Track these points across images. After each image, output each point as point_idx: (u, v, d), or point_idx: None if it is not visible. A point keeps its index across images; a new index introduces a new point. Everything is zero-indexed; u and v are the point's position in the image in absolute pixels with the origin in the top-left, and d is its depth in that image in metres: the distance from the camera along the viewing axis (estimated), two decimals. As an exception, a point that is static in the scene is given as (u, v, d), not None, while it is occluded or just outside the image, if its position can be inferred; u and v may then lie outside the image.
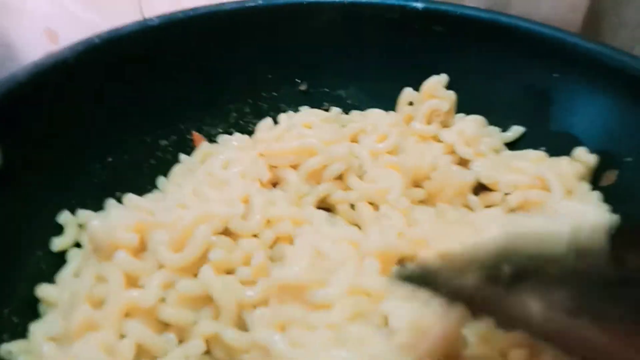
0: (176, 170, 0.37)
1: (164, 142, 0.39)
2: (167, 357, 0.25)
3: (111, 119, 0.36)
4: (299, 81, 0.45)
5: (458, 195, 0.34)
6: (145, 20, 0.38)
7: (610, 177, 0.34)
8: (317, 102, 0.44)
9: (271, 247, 0.30)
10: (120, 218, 0.27)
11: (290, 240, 0.30)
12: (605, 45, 0.35)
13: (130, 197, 0.32)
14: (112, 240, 0.26)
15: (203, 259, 0.27)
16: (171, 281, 0.26)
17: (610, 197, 0.34)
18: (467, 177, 0.34)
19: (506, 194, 0.34)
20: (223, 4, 0.41)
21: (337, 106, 0.44)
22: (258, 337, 0.25)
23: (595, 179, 0.35)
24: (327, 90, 0.45)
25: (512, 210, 0.33)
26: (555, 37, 0.37)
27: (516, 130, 0.39)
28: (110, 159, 0.36)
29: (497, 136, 0.39)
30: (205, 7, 0.40)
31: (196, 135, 0.40)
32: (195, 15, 0.40)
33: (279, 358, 0.23)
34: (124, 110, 0.37)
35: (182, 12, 0.39)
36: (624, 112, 0.34)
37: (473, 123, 0.37)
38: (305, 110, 0.42)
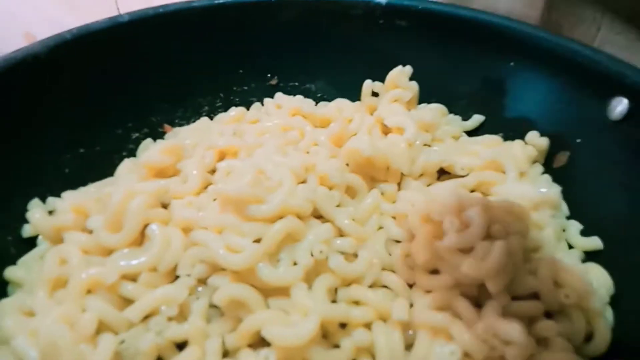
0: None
1: (135, 135, 0.40)
2: (130, 332, 0.26)
3: (83, 112, 0.38)
4: (269, 76, 0.46)
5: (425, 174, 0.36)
6: (116, 16, 0.39)
7: (562, 159, 0.36)
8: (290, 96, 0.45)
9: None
10: (57, 204, 0.28)
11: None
12: (555, 34, 0.37)
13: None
14: (53, 224, 0.27)
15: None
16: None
17: (563, 178, 0.35)
18: (432, 157, 0.35)
19: (463, 176, 0.35)
20: (193, 1, 0.42)
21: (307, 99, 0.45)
22: (196, 237, 0.27)
23: (549, 161, 0.37)
24: (296, 84, 0.46)
25: (469, 191, 0.34)
26: (510, 28, 0.39)
27: (476, 119, 0.41)
28: (81, 150, 0.37)
29: (456, 124, 0.40)
30: (175, 4, 0.42)
31: (167, 127, 0.42)
32: (165, 12, 0.41)
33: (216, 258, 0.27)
34: (96, 104, 0.38)
35: (152, 9, 0.40)
36: (573, 97, 0.35)
37: (431, 111, 0.38)
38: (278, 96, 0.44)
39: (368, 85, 0.41)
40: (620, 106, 0.32)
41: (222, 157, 0.36)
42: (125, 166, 0.35)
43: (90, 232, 0.29)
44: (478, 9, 0.42)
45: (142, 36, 0.40)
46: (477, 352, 0.24)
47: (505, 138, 0.39)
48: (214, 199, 0.31)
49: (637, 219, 0.31)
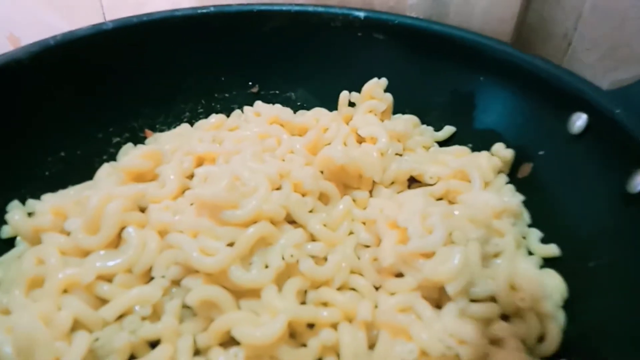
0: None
1: (116, 139, 0.41)
2: (104, 330, 0.27)
3: (65, 116, 0.39)
4: (251, 83, 0.47)
5: (396, 182, 0.37)
6: (100, 24, 0.40)
7: (525, 169, 0.37)
8: (268, 103, 0.47)
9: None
10: (37, 206, 0.30)
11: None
12: (521, 51, 0.39)
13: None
14: (32, 226, 0.29)
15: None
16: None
17: (526, 188, 0.37)
18: (402, 166, 0.37)
19: (432, 184, 0.37)
20: (177, 10, 0.44)
21: (286, 107, 0.46)
22: (171, 240, 0.28)
23: (513, 172, 0.38)
24: (277, 92, 0.48)
25: (437, 198, 0.36)
26: (480, 44, 0.40)
27: (447, 130, 0.43)
28: (62, 154, 0.38)
29: (428, 134, 0.42)
30: (158, 12, 0.43)
31: (148, 132, 0.43)
32: (148, 20, 0.42)
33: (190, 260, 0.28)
34: (78, 108, 0.39)
35: (136, 17, 0.42)
36: (537, 111, 0.37)
37: (404, 122, 0.40)
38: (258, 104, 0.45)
39: (344, 96, 0.42)
40: (579, 121, 0.34)
41: (200, 162, 0.37)
42: (105, 170, 0.36)
43: (68, 234, 0.30)
44: (452, 25, 0.44)
45: (126, 43, 0.41)
46: (433, 351, 0.26)
47: (474, 149, 0.40)
48: (191, 204, 0.32)
49: (593, 228, 0.32)
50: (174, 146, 0.37)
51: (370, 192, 0.37)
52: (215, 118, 0.43)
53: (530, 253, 0.34)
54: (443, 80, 0.43)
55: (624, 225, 0.30)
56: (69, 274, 0.27)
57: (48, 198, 0.32)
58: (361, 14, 0.44)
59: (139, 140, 0.42)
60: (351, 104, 0.43)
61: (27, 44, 0.37)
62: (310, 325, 0.29)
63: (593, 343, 0.29)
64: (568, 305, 0.31)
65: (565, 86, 0.35)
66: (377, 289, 0.31)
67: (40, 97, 0.37)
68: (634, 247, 0.29)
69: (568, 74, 0.36)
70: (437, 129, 0.44)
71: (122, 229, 0.30)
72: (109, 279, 0.29)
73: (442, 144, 0.43)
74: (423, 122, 0.44)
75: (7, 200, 0.34)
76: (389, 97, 0.42)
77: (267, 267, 0.30)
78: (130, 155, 0.35)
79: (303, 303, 0.30)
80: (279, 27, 0.46)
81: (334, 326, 0.29)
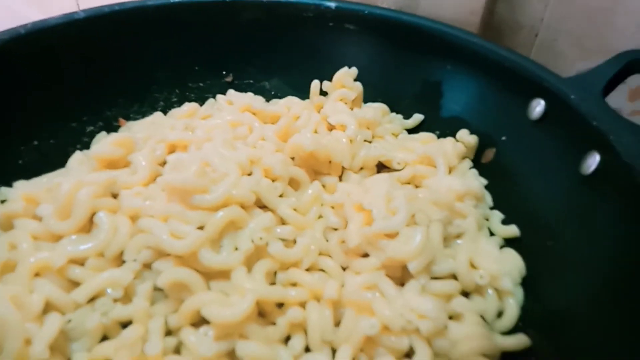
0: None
1: (90, 128, 0.42)
2: (76, 312, 0.28)
3: (37, 105, 0.39)
4: (225, 73, 0.48)
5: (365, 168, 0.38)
6: (71, 13, 0.41)
7: (489, 155, 0.39)
8: (243, 93, 0.47)
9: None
10: (9, 194, 0.31)
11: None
12: (485, 40, 0.40)
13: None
14: (3, 212, 0.30)
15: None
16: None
17: (490, 172, 0.38)
18: (371, 152, 0.38)
19: (400, 170, 0.38)
20: (149, -1, 0.44)
21: (261, 96, 0.47)
22: (142, 224, 0.29)
23: (478, 157, 0.40)
24: (251, 81, 0.48)
25: (404, 183, 0.37)
26: (447, 33, 0.42)
27: (416, 118, 0.44)
28: (35, 142, 0.38)
29: (398, 122, 0.43)
30: (131, 2, 0.43)
31: (122, 121, 0.43)
32: (121, 10, 0.42)
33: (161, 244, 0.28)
34: (50, 97, 0.40)
35: (108, 6, 0.42)
36: (499, 98, 0.39)
37: (373, 110, 0.41)
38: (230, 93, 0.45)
39: (316, 84, 0.43)
40: (538, 107, 0.35)
41: (172, 150, 0.37)
42: (77, 158, 0.36)
43: (40, 219, 0.31)
44: (421, 16, 0.45)
45: (98, 33, 0.42)
46: (394, 325, 0.27)
47: (441, 135, 0.42)
48: (163, 190, 0.33)
49: (552, 209, 0.34)
50: (146, 134, 0.38)
51: (340, 177, 0.38)
52: (187, 106, 0.44)
53: (492, 234, 0.35)
54: (413, 70, 0.44)
55: (580, 206, 0.32)
56: (41, 257, 0.28)
57: (20, 185, 0.33)
58: (332, 4, 0.45)
59: (112, 129, 0.43)
60: (324, 93, 0.44)
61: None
62: (280, 305, 0.30)
63: (550, 319, 0.30)
64: (527, 283, 0.32)
65: (524, 73, 0.36)
66: (344, 269, 0.32)
67: (12, 86, 0.37)
68: (589, 226, 0.31)
69: (528, 62, 0.37)
70: (407, 116, 0.45)
71: (94, 214, 0.31)
72: (81, 262, 0.29)
73: (412, 131, 0.44)
74: (394, 110, 0.45)
75: (-20, 189, 0.34)
76: (358, 85, 0.43)
77: (236, 249, 0.31)
78: (102, 142, 0.35)
79: (273, 284, 0.31)
80: (252, 17, 0.46)
81: (302, 305, 0.30)
